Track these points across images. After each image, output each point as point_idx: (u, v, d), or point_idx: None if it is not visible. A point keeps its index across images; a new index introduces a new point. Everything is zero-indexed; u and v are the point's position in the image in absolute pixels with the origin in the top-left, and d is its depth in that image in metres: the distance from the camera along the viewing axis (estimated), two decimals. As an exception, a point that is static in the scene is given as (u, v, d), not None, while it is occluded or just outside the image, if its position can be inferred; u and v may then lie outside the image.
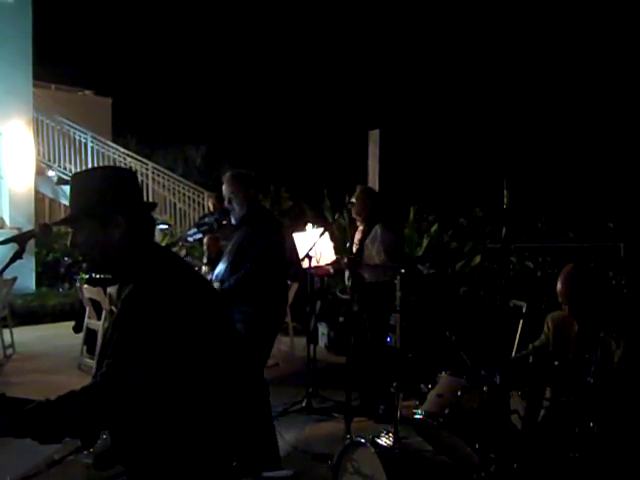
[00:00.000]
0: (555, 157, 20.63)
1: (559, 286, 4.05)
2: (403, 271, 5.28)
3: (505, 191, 3.61)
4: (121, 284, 2.56)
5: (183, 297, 2.39)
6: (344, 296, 7.82)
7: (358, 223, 7.10)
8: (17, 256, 2.51)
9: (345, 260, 7.01)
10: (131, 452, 2.42)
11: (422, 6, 24.77)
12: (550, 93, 22.37)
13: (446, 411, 3.81)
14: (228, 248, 5.25)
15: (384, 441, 4.05)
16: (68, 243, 2.54)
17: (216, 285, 5.12)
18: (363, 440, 4.08)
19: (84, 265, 2.56)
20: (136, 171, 16.75)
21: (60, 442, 2.31)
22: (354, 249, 7.05)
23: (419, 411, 3.97)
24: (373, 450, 3.94)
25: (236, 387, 2.57)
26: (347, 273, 7.57)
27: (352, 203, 6.99)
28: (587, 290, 3.96)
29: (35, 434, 2.25)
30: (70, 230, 2.53)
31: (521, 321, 5.63)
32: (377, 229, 6.73)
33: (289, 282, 6.61)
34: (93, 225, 2.44)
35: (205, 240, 8.67)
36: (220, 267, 5.25)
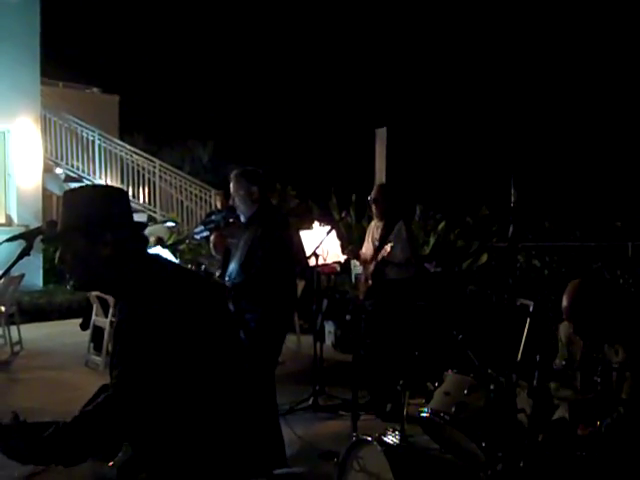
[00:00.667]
0: (563, 155, 20.59)
1: (564, 303, 3.99)
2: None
3: (512, 189, 3.60)
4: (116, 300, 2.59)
5: (183, 304, 2.39)
6: (357, 294, 7.82)
7: (376, 220, 7.10)
8: (25, 253, 2.53)
9: (372, 265, 6.97)
10: (153, 458, 2.43)
11: (429, 4, 24.74)
12: (558, 91, 22.32)
13: (453, 409, 3.81)
14: (239, 247, 5.24)
15: (390, 439, 4.04)
16: (56, 260, 2.55)
17: (228, 284, 5.13)
18: (369, 438, 4.08)
19: (71, 282, 2.57)
20: (143, 169, 16.82)
21: (85, 461, 2.33)
22: (367, 247, 7.05)
23: (426, 409, 3.96)
24: (379, 448, 3.93)
25: (241, 384, 2.58)
26: (354, 271, 7.58)
27: (373, 200, 7.00)
28: (591, 310, 3.88)
29: (58, 459, 2.28)
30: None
31: (528, 320, 5.62)
32: (400, 226, 6.73)
33: (297, 280, 6.61)
34: (81, 242, 2.45)
35: (212, 238, 8.68)
36: (232, 267, 5.24)
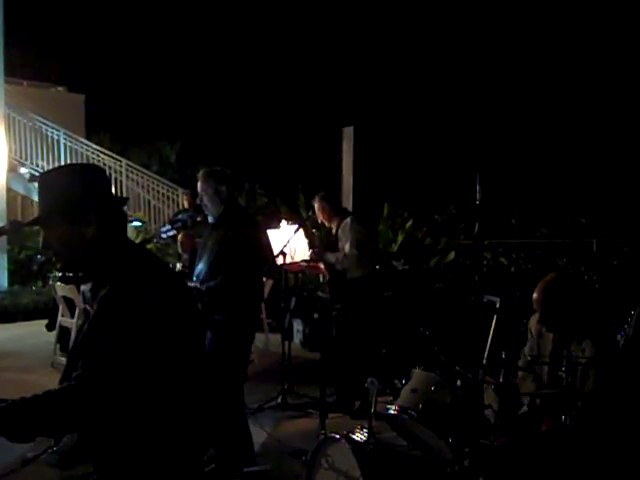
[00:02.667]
0: (528, 154, 20.77)
1: (536, 294, 4.06)
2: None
3: (478, 187, 3.63)
4: (95, 283, 2.53)
5: (158, 300, 2.36)
6: (323, 295, 7.84)
7: (330, 226, 7.15)
8: (-13, 252, 2.50)
9: (310, 252, 7.10)
10: (100, 451, 2.41)
11: (393, 4, 24.83)
12: (521, 89, 22.50)
13: (420, 406, 3.84)
14: (207, 247, 5.22)
15: (358, 436, 4.05)
16: (40, 244, 2.51)
17: (196, 285, 5.11)
18: (338, 436, 4.09)
19: (58, 265, 2.52)
20: (110, 168, 16.69)
21: (31, 441, 2.30)
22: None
23: (393, 406, 3.99)
24: (347, 446, 3.95)
25: (207, 385, 2.57)
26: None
27: (314, 213, 7.10)
28: (562, 303, 3.97)
29: (7, 432, 2.23)
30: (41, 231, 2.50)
31: (495, 316, 5.67)
32: (347, 221, 6.80)
33: (264, 279, 6.62)
34: (64, 224, 2.40)
35: (179, 237, 8.64)
36: (200, 267, 5.21)
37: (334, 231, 7.01)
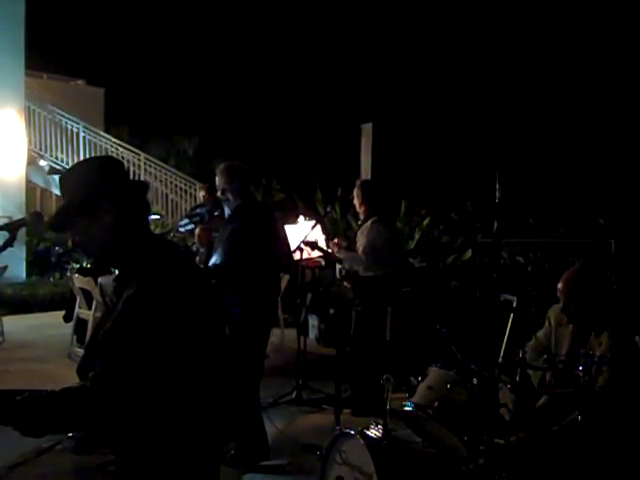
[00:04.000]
0: (547, 153, 20.68)
1: (560, 283, 4.08)
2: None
3: (497, 185, 3.62)
4: (120, 277, 2.53)
5: (183, 299, 2.35)
6: (342, 287, 7.82)
7: (360, 216, 7.15)
8: (8, 244, 2.51)
9: (336, 241, 7.11)
10: (119, 440, 2.42)
11: (414, 3, 24.77)
12: (542, 88, 22.40)
13: (435, 404, 3.83)
14: (222, 240, 5.24)
15: (373, 433, 4.05)
16: (70, 244, 2.53)
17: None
18: (352, 431, 4.09)
19: (90, 259, 2.54)
20: (128, 162, 16.75)
21: (42, 437, 2.31)
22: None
23: (409, 403, 3.98)
24: (362, 441, 3.95)
25: (226, 378, 2.58)
26: (338, 265, 7.60)
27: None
28: (585, 293, 3.99)
29: (20, 424, 2.24)
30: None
31: (511, 315, 5.65)
32: (368, 223, 6.78)
33: (281, 274, 6.62)
34: (84, 220, 2.41)
35: (196, 231, 8.65)
36: (214, 259, 5.24)
37: (359, 223, 7.02)
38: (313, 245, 7.04)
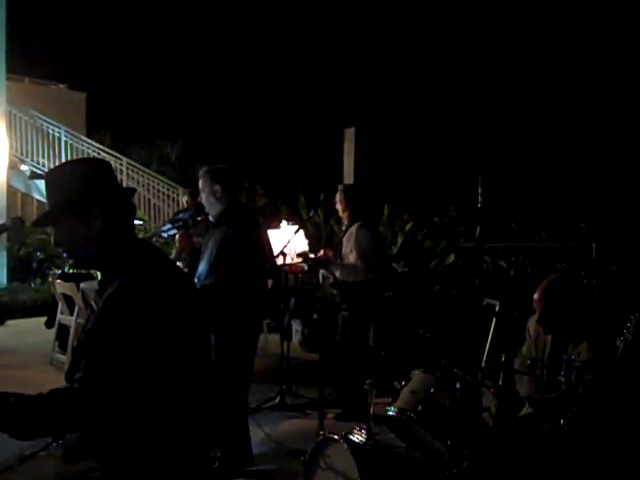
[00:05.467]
0: (529, 157, 20.78)
1: (536, 294, 4.10)
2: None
3: (480, 189, 3.63)
4: (103, 280, 2.52)
5: (165, 300, 2.36)
6: (325, 294, 7.82)
7: (343, 221, 7.13)
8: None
9: (312, 256, 7.08)
10: (104, 447, 2.41)
11: (395, 5, 24.84)
12: (523, 93, 22.52)
13: (419, 408, 3.84)
14: (208, 246, 5.20)
15: (357, 437, 4.06)
16: (52, 242, 2.51)
17: (197, 285, 5.10)
18: (336, 436, 4.09)
19: (71, 262, 2.53)
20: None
21: (32, 439, 2.30)
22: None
23: (392, 408, 3.99)
24: (346, 446, 3.95)
25: (211, 384, 2.58)
26: (321, 271, 7.59)
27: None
28: (562, 304, 4.01)
29: (9, 428, 2.23)
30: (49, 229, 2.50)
31: (494, 319, 5.67)
32: (353, 228, 6.75)
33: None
34: (71, 220, 2.41)
35: (177, 237, 8.59)
36: (201, 267, 5.20)
37: (343, 228, 7.01)
38: (305, 256, 7.06)
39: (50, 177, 2.50)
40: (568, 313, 4.01)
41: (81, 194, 2.40)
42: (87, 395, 2.25)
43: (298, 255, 6.99)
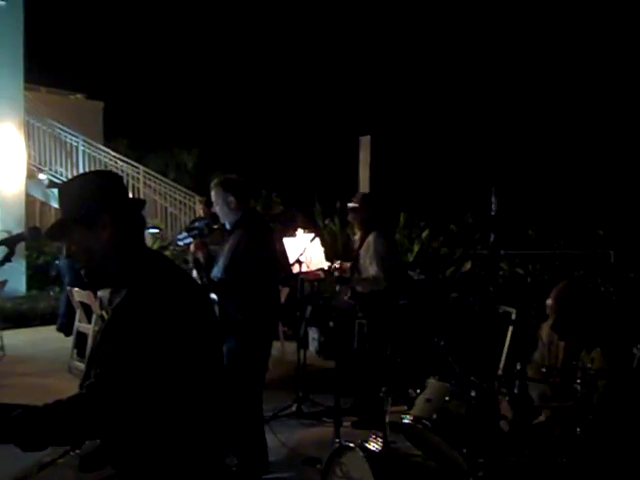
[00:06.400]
0: (546, 164, 20.71)
1: (549, 300, 4.08)
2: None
3: (493, 198, 3.64)
4: (113, 290, 2.56)
5: (175, 307, 2.39)
6: (340, 303, 7.83)
7: (356, 230, 7.13)
8: (7, 259, 2.53)
9: (336, 273, 7.08)
10: (121, 454, 2.43)
11: (412, 14, 24.86)
12: (539, 101, 22.46)
13: (434, 416, 3.84)
14: (223, 252, 5.24)
15: (373, 446, 4.06)
16: (64, 253, 2.56)
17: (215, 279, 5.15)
18: (352, 444, 4.10)
19: (83, 274, 2.56)
20: (127, 175, 16.79)
21: (42, 450, 2.32)
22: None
23: (408, 416, 3.99)
24: (362, 454, 3.96)
25: (225, 391, 2.59)
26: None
27: (351, 209, 7.00)
28: (573, 310, 3.99)
29: (19, 440, 2.25)
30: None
31: (510, 327, 5.66)
32: (370, 238, 6.73)
33: (280, 287, 6.63)
34: (81, 230, 2.45)
35: (191, 246, 8.59)
36: (215, 271, 5.25)
37: (357, 237, 7.01)
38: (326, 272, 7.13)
39: (62, 189, 2.56)
40: (582, 318, 4.00)
41: (90, 204, 2.45)
42: (95, 401, 2.27)
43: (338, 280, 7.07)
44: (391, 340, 6.81)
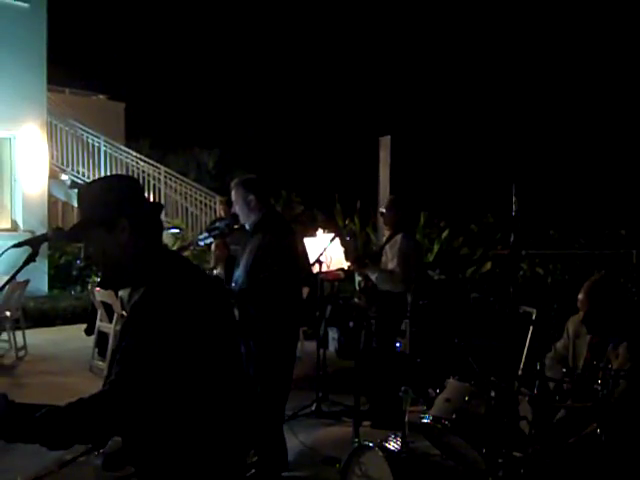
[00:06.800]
0: (568, 164, 20.61)
1: (581, 294, 4.09)
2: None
3: (514, 198, 3.63)
4: (132, 289, 2.60)
5: (192, 304, 2.41)
6: (357, 301, 7.85)
7: (386, 231, 7.15)
8: (30, 259, 2.56)
9: (354, 259, 7.10)
10: (142, 453, 2.45)
11: (435, 14, 24.82)
12: (561, 101, 22.35)
13: (454, 416, 3.84)
14: (245, 254, 5.24)
15: (392, 445, 4.07)
16: (82, 256, 2.59)
17: (236, 289, 5.16)
18: (371, 444, 4.11)
19: (100, 275, 2.59)
20: (149, 175, 16.88)
21: (68, 448, 2.35)
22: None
23: (427, 416, 3.99)
24: (381, 454, 3.96)
25: (243, 390, 2.61)
26: (357, 278, 7.59)
27: (382, 213, 7.05)
28: (605, 304, 4.00)
29: (44, 440, 2.29)
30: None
31: (531, 328, 5.64)
32: (398, 237, 6.75)
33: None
34: (99, 233, 2.48)
35: (212, 246, 8.62)
36: (237, 273, 5.25)
37: (383, 239, 7.03)
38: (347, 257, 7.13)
39: (82, 192, 2.59)
40: (612, 313, 4.00)
41: (109, 207, 2.48)
42: (116, 398, 2.30)
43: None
44: (410, 339, 6.81)
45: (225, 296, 2.89)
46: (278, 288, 5.08)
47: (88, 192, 2.58)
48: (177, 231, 13.41)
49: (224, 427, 2.48)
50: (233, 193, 5.35)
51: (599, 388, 3.55)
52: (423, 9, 25.08)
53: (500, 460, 3.64)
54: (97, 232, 2.48)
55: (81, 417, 2.29)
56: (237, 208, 5.33)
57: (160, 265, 2.50)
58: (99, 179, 2.75)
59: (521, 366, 4.96)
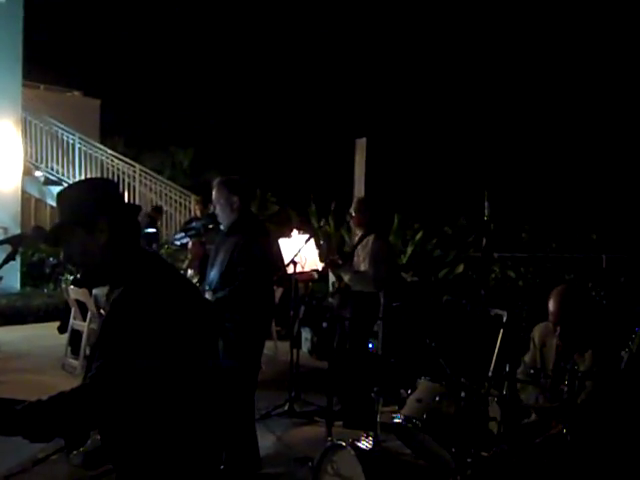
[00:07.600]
0: (540, 168, 20.80)
1: (552, 307, 4.11)
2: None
3: (486, 203, 3.71)
4: (110, 287, 2.64)
5: (170, 301, 2.46)
6: (331, 300, 7.90)
7: (357, 232, 7.19)
8: (10, 258, 2.60)
9: (327, 260, 7.15)
10: (120, 451, 2.50)
11: (408, 16, 24.93)
12: (533, 106, 22.55)
13: (425, 416, 3.90)
14: (219, 256, 5.26)
15: (364, 444, 4.13)
16: (61, 257, 2.64)
17: (208, 293, 5.17)
18: (343, 443, 4.16)
19: (79, 274, 2.65)
20: (123, 173, 16.83)
21: (50, 441, 2.39)
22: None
23: (398, 415, 4.05)
24: (353, 453, 4.02)
25: (219, 388, 2.66)
26: (331, 279, 7.65)
27: (351, 214, 7.08)
28: (577, 314, 4.05)
29: (26, 433, 2.32)
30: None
31: (501, 330, 5.72)
32: (370, 238, 6.81)
33: (274, 287, 6.66)
34: (79, 232, 2.52)
35: (189, 245, 8.66)
36: (212, 275, 5.26)
37: (355, 239, 7.07)
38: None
39: (61, 194, 2.64)
40: (585, 324, 4.05)
41: (88, 208, 2.53)
42: (96, 391, 2.35)
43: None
44: (382, 340, 6.86)
45: (200, 295, 2.95)
46: (250, 292, 5.11)
47: (68, 194, 2.63)
48: (153, 231, 13.37)
49: (201, 423, 2.53)
50: (215, 192, 5.33)
51: (565, 389, 3.62)
52: (397, 12, 25.20)
53: (469, 459, 3.71)
54: (77, 233, 2.53)
55: (62, 410, 2.33)
56: (218, 208, 5.32)
57: (138, 264, 2.55)
58: (79, 182, 2.80)
59: (491, 368, 5.04)
